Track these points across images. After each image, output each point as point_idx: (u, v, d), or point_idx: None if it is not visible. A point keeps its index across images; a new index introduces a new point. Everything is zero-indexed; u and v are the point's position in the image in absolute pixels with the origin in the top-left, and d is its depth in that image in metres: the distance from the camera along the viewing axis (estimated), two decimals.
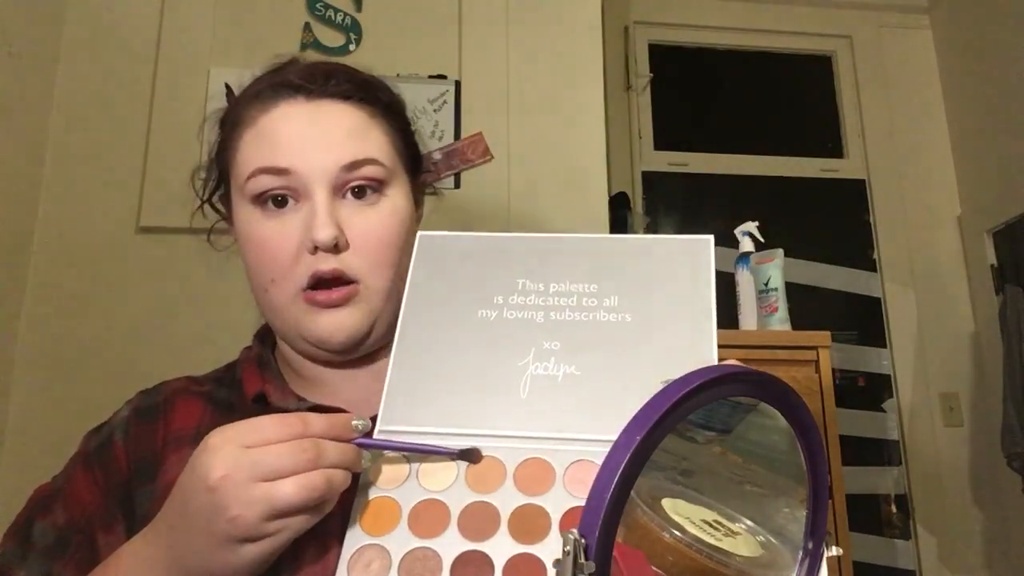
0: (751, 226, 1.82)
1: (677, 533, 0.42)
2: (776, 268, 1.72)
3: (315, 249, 0.60)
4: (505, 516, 0.50)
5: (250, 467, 0.45)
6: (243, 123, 0.64)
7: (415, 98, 1.80)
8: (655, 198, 2.59)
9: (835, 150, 2.70)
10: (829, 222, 2.61)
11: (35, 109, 1.68)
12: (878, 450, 2.44)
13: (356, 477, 0.52)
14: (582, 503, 0.45)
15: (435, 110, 1.84)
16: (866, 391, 2.48)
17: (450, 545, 0.50)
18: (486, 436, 0.54)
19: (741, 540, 0.45)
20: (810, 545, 0.42)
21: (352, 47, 1.86)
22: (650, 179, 2.59)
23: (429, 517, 0.51)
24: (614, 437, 0.46)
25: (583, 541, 0.32)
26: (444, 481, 0.52)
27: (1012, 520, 2.40)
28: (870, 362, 2.51)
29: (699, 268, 0.57)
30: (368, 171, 0.63)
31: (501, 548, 0.49)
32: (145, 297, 1.63)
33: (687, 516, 0.45)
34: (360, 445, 0.51)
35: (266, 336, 0.72)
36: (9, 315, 1.58)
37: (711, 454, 0.49)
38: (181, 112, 1.74)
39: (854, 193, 2.63)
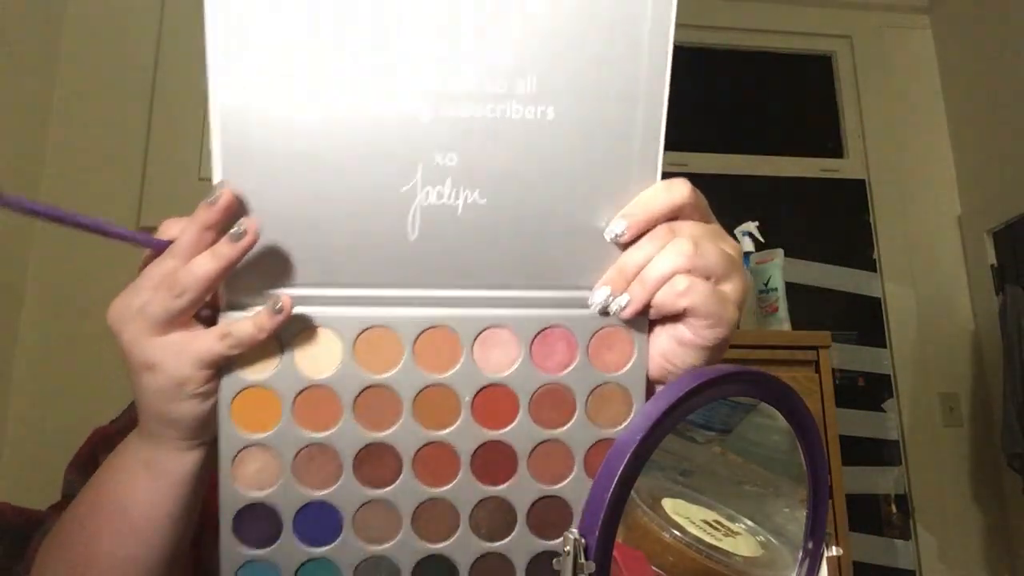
0: (751, 226, 1.82)
1: (677, 533, 0.42)
2: (776, 268, 1.72)
3: None
4: (408, 401, 0.42)
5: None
6: None
7: None
8: None
9: (835, 150, 2.70)
10: (829, 222, 2.61)
11: (35, 108, 1.68)
12: (878, 450, 2.44)
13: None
14: (495, 381, 0.42)
15: None
16: (866, 391, 2.48)
17: (349, 438, 0.42)
18: (366, 297, 0.41)
19: (741, 540, 0.45)
20: (810, 545, 0.42)
21: None
22: None
23: (316, 408, 0.41)
24: (534, 293, 0.42)
25: (583, 541, 0.32)
26: (327, 364, 0.41)
27: (1012, 520, 2.40)
28: (870, 362, 2.51)
29: (656, 33, 0.39)
30: None
31: (407, 438, 0.42)
32: None
33: (687, 516, 0.45)
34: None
35: None
36: (9, 315, 1.58)
37: (711, 454, 0.49)
38: (181, 112, 1.74)
39: (854, 193, 2.63)
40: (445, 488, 0.42)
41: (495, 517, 0.43)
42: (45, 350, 1.59)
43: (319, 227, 0.40)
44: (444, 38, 0.38)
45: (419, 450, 0.42)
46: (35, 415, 1.55)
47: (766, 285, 1.71)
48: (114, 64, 1.76)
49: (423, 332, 0.42)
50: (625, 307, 0.41)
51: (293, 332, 0.41)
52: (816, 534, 0.42)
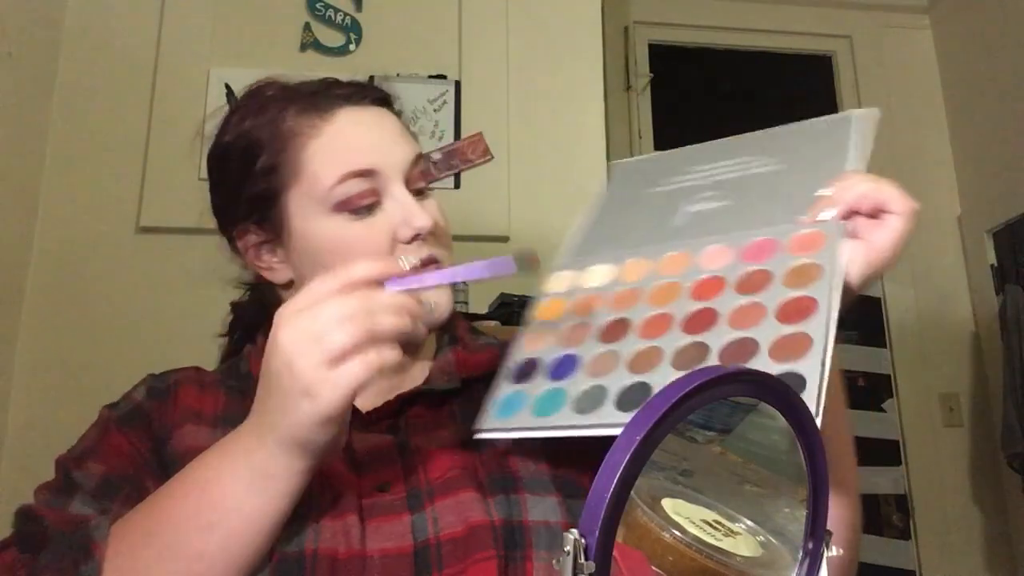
0: None
1: (677, 533, 0.42)
2: None
3: (413, 239, 0.64)
4: (645, 291, 0.62)
5: (308, 321, 0.49)
6: (302, 134, 0.64)
7: (415, 98, 1.80)
8: None
9: None
10: None
11: (35, 109, 1.68)
12: (878, 450, 2.44)
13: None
14: (711, 273, 0.59)
15: (435, 110, 1.84)
16: (866, 391, 2.48)
17: (602, 317, 0.62)
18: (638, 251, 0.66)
19: (741, 540, 0.45)
20: (810, 545, 0.42)
21: (352, 47, 1.86)
22: None
23: (587, 303, 0.63)
24: (760, 229, 0.60)
25: (583, 541, 0.32)
26: (601, 279, 0.65)
27: (1012, 520, 2.40)
28: (870, 362, 2.51)
29: (847, 130, 0.65)
30: (421, 167, 0.68)
31: (639, 313, 0.60)
32: (145, 297, 1.63)
33: (687, 516, 0.45)
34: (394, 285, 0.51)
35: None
36: (9, 316, 1.58)
37: (711, 454, 0.49)
38: (181, 112, 1.74)
39: None
40: (657, 340, 0.57)
41: (690, 354, 0.55)
42: (45, 350, 1.59)
43: (622, 238, 0.68)
44: (726, 151, 0.71)
45: (645, 319, 0.59)
46: (35, 415, 1.55)
47: None
48: (114, 64, 1.76)
49: (665, 256, 0.63)
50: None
51: (592, 269, 0.66)
52: (816, 534, 0.42)
